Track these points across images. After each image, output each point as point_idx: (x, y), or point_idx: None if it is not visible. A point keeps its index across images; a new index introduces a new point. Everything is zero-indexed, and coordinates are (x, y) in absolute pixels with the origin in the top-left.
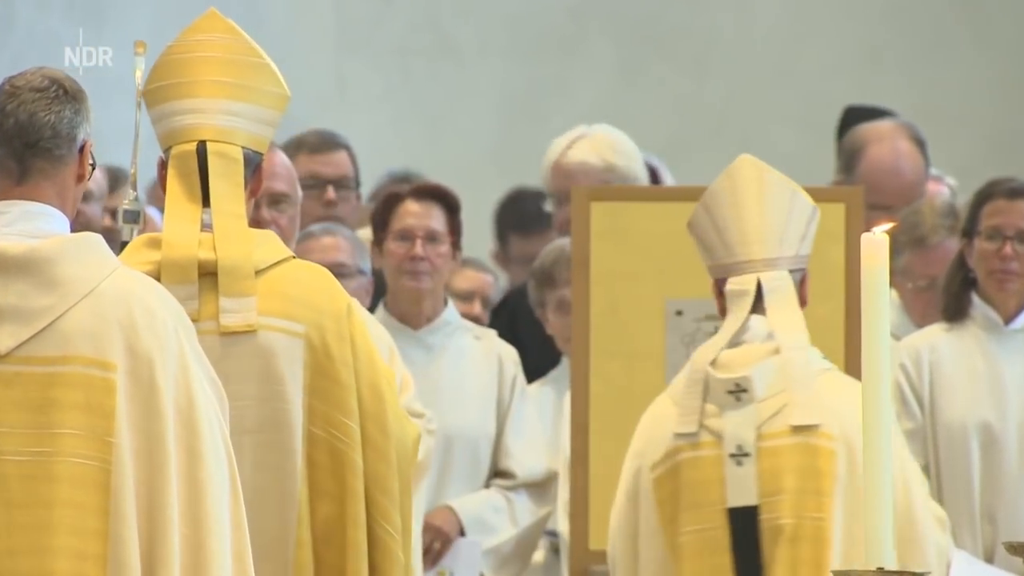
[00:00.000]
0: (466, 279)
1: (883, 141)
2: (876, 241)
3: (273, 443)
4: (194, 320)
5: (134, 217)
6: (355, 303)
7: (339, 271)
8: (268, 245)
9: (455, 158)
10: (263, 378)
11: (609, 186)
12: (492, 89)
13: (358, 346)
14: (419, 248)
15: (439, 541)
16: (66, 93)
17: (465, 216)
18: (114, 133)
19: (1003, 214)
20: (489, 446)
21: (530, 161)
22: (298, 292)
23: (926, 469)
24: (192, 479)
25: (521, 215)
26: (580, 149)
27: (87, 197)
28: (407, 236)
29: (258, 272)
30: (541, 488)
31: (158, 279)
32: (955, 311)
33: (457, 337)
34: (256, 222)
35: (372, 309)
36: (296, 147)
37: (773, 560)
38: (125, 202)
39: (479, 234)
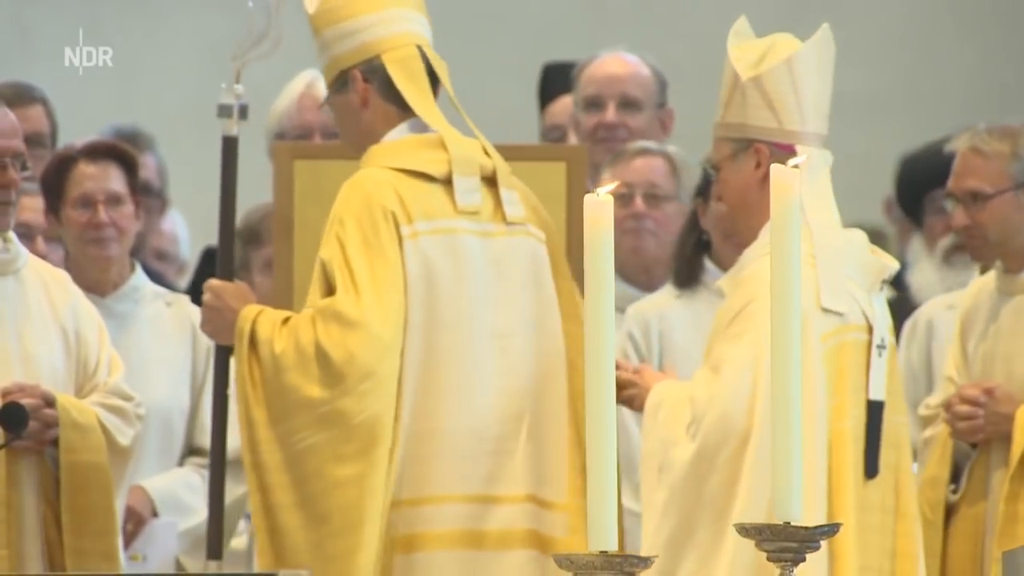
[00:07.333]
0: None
1: None
2: (600, 203)
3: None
4: (476, 214)
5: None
6: None
7: None
8: None
9: (150, 111)
10: (531, 281)
11: (313, 144)
12: (191, 39)
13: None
14: (102, 214)
15: (131, 523)
16: None
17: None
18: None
19: None
20: (183, 421)
21: None
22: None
23: None
24: None
25: None
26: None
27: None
28: (87, 202)
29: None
30: (240, 465)
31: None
32: (687, 276)
33: (146, 304)
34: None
35: None
36: None
37: None
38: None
39: (184, 188)
